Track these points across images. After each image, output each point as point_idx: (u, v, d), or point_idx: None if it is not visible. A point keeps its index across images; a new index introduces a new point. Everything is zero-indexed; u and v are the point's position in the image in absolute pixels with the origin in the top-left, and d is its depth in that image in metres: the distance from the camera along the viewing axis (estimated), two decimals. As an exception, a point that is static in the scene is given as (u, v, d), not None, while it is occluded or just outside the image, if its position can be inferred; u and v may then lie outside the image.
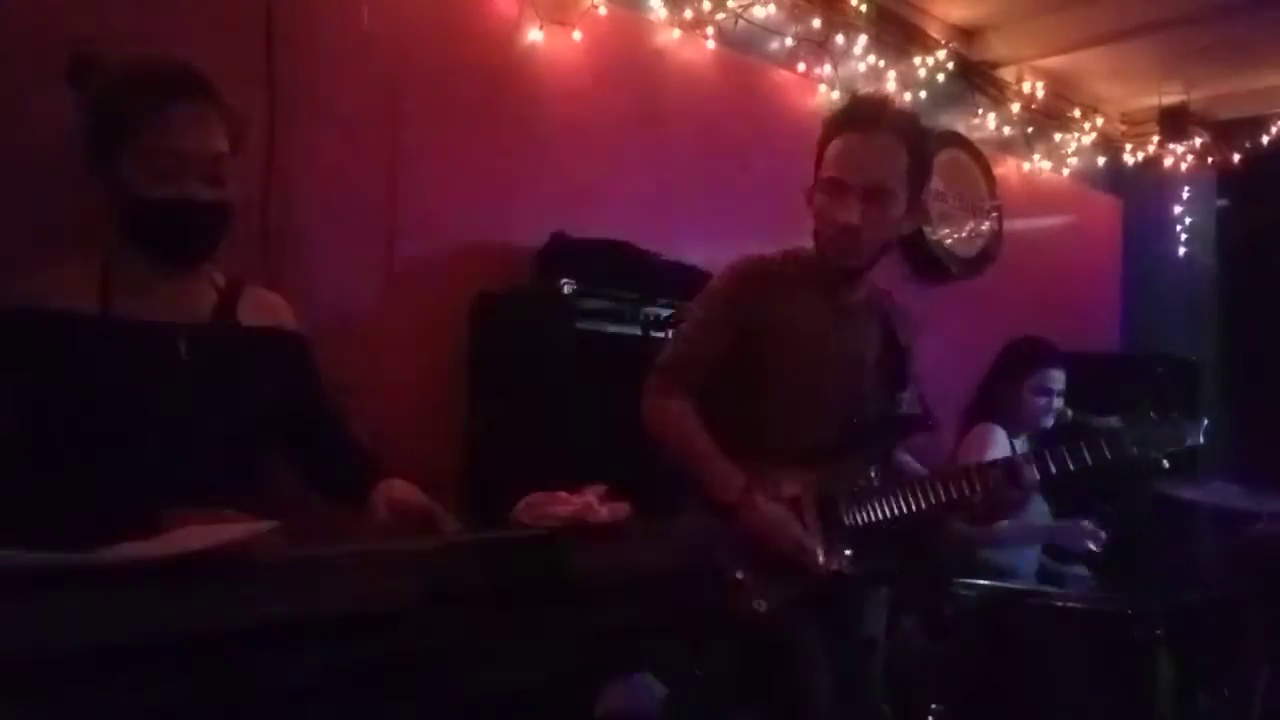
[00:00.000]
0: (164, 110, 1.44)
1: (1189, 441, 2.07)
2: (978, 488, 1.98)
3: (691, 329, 2.03)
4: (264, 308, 1.68)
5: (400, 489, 1.55)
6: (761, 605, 1.87)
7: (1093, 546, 2.92)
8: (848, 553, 1.96)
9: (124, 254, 1.52)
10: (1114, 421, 2.12)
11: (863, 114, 1.96)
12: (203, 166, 1.47)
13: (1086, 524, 2.94)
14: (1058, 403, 3.09)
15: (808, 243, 2.07)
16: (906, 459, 2.17)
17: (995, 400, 3.15)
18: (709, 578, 1.71)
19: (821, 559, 1.90)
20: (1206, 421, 2.07)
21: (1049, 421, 3.05)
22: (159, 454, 1.46)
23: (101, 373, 1.45)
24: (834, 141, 1.95)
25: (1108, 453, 2.02)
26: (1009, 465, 2.01)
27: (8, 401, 1.43)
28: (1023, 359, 3.16)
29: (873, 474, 2.02)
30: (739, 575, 1.88)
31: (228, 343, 1.59)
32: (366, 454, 1.73)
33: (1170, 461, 2.05)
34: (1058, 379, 3.12)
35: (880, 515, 1.98)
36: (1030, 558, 3.15)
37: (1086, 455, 2.02)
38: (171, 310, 1.54)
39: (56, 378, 1.43)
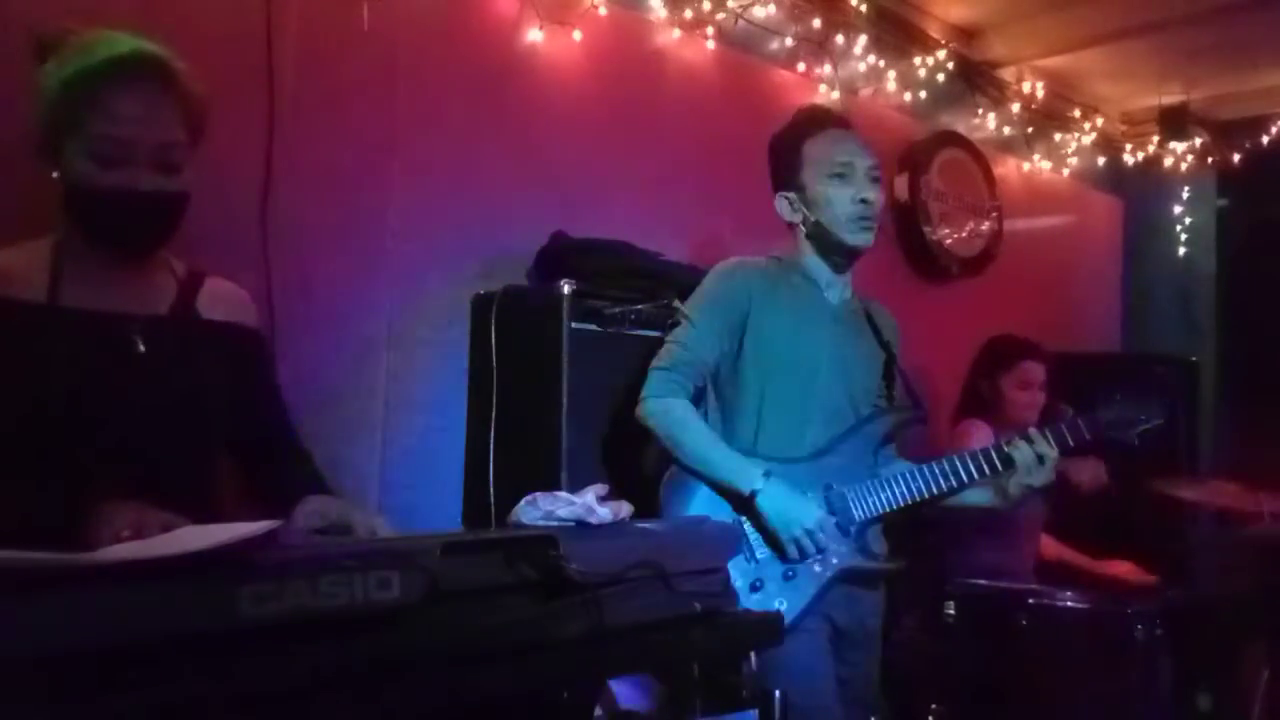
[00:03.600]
0: (111, 97, 1.38)
1: (1155, 420, 2.17)
2: (974, 474, 2.04)
3: (686, 332, 2.05)
4: (225, 301, 1.62)
5: (318, 504, 1.47)
6: (783, 604, 1.89)
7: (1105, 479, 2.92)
8: (856, 546, 1.99)
9: (76, 242, 1.47)
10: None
11: (821, 118, 2.15)
12: (152, 154, 1.41)
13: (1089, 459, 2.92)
14: (1039, 397, 3.11)
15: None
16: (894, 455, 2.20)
17: (978, 399, 3.17)
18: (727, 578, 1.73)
19: (836, 546, 1.95)
20: (1166, 400, 2.21)
21: (1034, 415, 3.07)
22: (110, 449, 1.41)
23: (49, 364, 1.39)
24: (811, 142, 2.08)
25: (1087, 434, 2.10)
26: (1001, 450, 2.04)
27: None
28: (999, 355, 3.19)
29: (874, 466, 2.05)
30: (764, 580, 1.91)
31: (186, 336, 1.53)
32: (309, 463, 1.67)
33: (1140, 440, 2.16)
34: (1037, 371, 3.14)
35: (885, 507, 2.02)
36: (1029, 554, 3.16)
37: (1068, 437, 2.09)
38: (127, 301, 1.49)
39: (3, 369, 1.37)
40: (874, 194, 2.04)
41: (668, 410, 2.00)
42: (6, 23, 1.90)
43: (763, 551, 1.95)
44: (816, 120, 2.13)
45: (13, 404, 1.38)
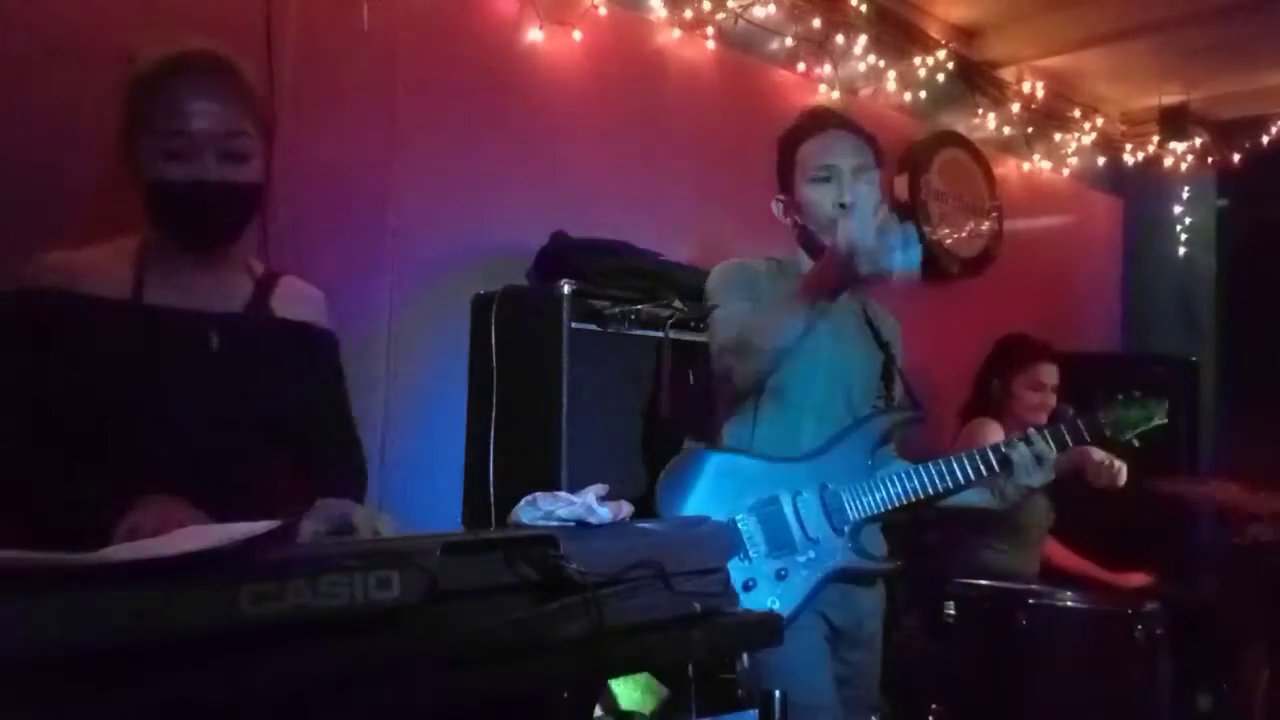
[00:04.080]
0: (175, 93, 1.43)
1: (1156, 421, 2.15)
2: (970, 474, 2.03)
3: (723, 312, 2.03)
4: (299, 301, 1.65)
5: (326, 505, 1.46)
6: (775, 603, 1.89)
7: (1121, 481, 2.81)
8: (850, 545, 1.99)
9: (158, 240, 1.51)
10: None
11: (822, 119, 2.11)
12: (219, 145, 1.44)
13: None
14: (1051, 399, 3.11)
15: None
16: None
17: (989, 397, 3.17)
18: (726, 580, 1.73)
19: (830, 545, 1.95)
20: (1168, 402, 2.17)
21: (1043, 417, 3.06)
22: (181, 444, 1.44)
23: (127, 360, 1.43)
24: (804, 146, 2.06)
25: (1086, 435, 2.10)
26: (998, 451, 2.05)
27: (28, 385, 1.41)
28: (1014, 355, 3.18)
29: (870, 465, 2.05)
30: (759, 580, 1.91)
31: (260, 335, 1.57)
32: (351, 464, 1.70)
33: (1141, 441, 2.15)
34: (1050, 374, 3.14)
35: (880, 506, 2.01)
36: (1031, 554, 3.16)
37: (1067, 438, 2.08)
38: (206, 299, 1.52)
39: (83, 363, 1.42)
40: (851, 197, 1.99)
41: (725, 328, 1.96)
42: (8, 22, 1.91)
43: (755, 550, 1.95)
44: (815, 122, 2.11)
45: (90, 397, 1.42)
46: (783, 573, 1.94)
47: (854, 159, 2.03)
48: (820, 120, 2.12)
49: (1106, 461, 2.77)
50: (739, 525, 1.95)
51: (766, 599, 1.90)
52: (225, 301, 1.55)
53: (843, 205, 1.99)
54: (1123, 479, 2.82)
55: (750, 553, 1.94)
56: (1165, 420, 2.16)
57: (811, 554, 1.95)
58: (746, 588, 1.91)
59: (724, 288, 2.07)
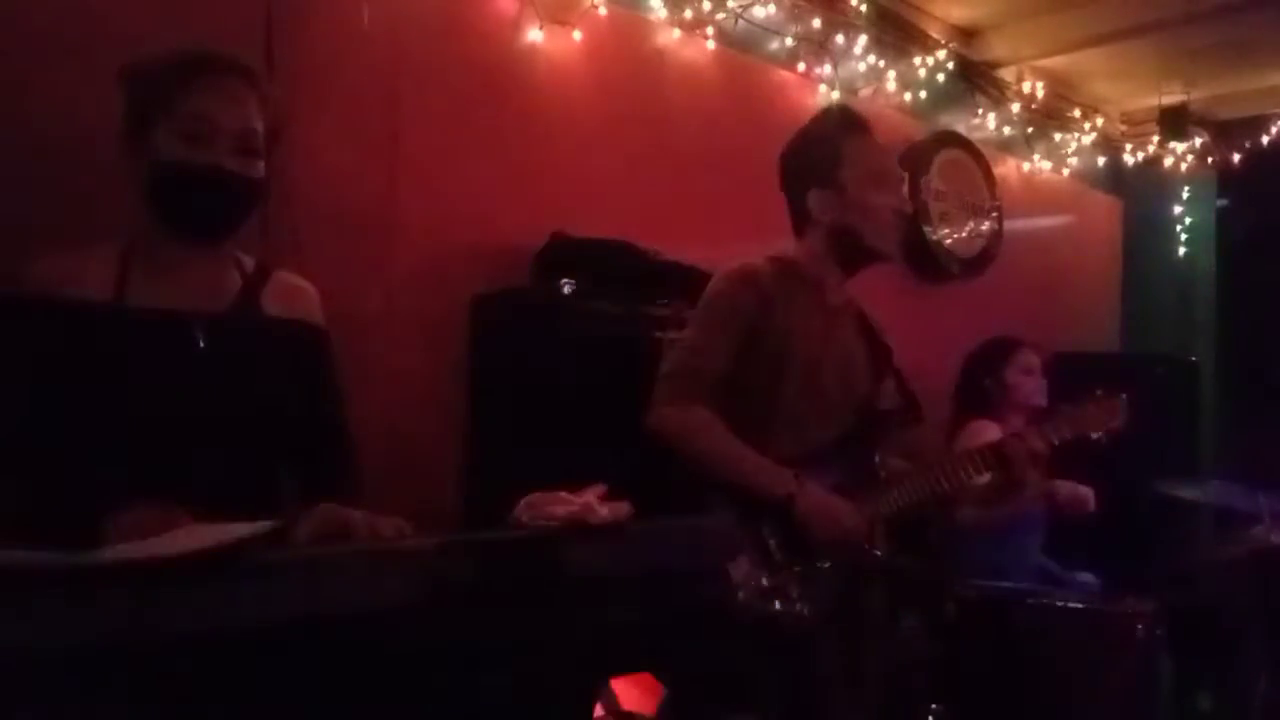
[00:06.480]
0: (201, 81, 1.47)
1: (1117, 421, 2.20)
2: (972, 472, 2.06)
3: (695, 338, 2.02)
4: (291, 297, 1.63)
5: (323, 512, 1.44)
6: (805, 609, 1.88)
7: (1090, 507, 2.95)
8: (866, 546, 1.99)
9: (147, 238, 1.51)
10: None
11: (861, 118, 2.11)
12: (235, 138, 1.48)
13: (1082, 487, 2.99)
14: (1044, 383, 3.18)
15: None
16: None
17: (984, 398, 3.20)
18: (748, 587, 1.75)
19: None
20: (1124, 397, 2.21)
21: (1042, 400, 3.12)
22: (170, 448, 1.43)
23: (113, 364, 1.41)
24: (850, 142, 2.04)
25: (1067, 431, 2.16)
26: (997, 449, 2.06)
27: (12, 393, 1.40)
28: (995, 351, 3.26)
29: (875, 467, 2.05)
30: (783, 584, 1.91)
31: (248, 335, 1.54)
32: (345, 465, 1.68)
33: (1111, 441, 2.19)
34: (1033, 358, 3.22)
35: (892, 507, 2.03)
36: (1030, 555, 3.16)
37: (1052, 435, 2.14)
38: (192, 297, 1.50)
39: (65, 369, 1.40)
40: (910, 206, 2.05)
41: (684, 418, 1.96)
42: (7, 20, 1.91)
43: (780, 555, 1.94)
44: (854, 120, 2.09)
45: (75, 402, 1.40)
46: (807, 576, 1.94)
47: (897, 167, 2.09)
48: (858, 119, 2.10)
49: (1078, 491, 2.85)
50: (761, 531, 1.95)
51: (795, 604, 1.90)
52: (213, 299, 1.53)
53: (902, 213, 2.04)
54: (1092, 505, 2.89)
55: (774, 557, 1.94)
56: (1124, 418, 2.19)
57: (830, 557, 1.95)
58: (772, 592, 1.91)
59: (714, 310, 2.03)
